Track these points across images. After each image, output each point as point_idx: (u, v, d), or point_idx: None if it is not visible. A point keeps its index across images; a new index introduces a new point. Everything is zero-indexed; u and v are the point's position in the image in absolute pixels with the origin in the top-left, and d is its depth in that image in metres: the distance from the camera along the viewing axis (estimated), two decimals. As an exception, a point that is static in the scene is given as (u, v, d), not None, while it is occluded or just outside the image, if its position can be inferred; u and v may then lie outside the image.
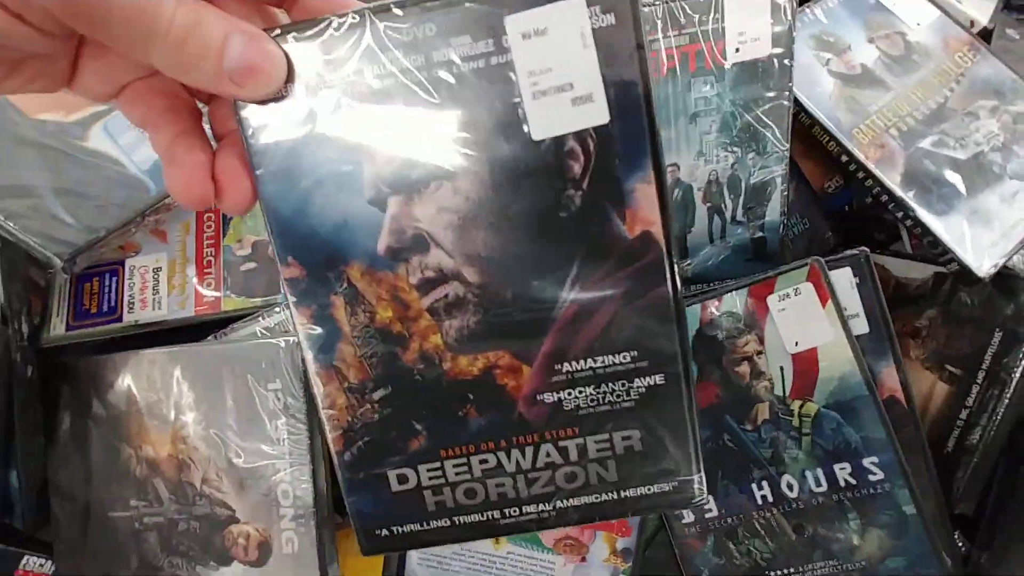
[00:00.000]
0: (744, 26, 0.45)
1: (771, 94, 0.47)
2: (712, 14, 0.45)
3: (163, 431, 0.45)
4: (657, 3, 0.45)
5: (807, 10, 0.51)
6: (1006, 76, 0.50)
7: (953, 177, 0.47)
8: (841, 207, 0.58)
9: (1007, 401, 0.44)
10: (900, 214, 0.47)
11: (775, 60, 0.46)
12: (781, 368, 0.46)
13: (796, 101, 0.49)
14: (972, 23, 0.55)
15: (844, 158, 0.48)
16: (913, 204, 0.46)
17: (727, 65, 0.46)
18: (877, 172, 0.47)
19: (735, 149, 0.48)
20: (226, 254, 0.50)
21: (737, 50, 0.46)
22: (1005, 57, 0.51)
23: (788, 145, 0.47)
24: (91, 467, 0.46)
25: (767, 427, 0.46)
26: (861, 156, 0.47)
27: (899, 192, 0.46)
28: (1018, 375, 0.44)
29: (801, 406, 0.46)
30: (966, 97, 0.49)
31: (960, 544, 0.48)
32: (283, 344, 0.43)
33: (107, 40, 0.20)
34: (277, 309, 0.47)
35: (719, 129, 0.47)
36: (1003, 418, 0.44)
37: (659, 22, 0.45)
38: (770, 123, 0.47)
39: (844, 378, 0.44)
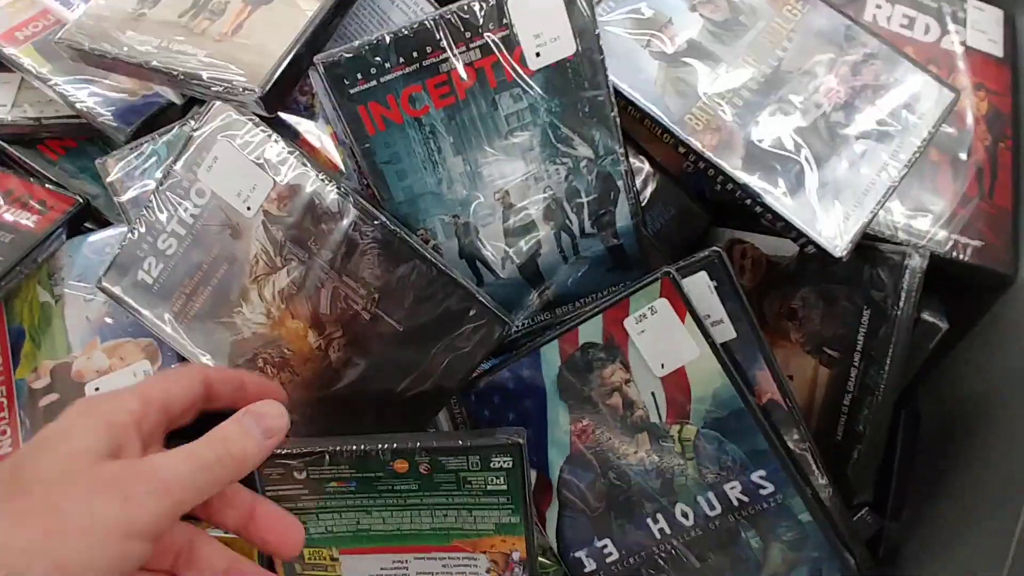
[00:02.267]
0: (538, 27, 0.40)
1: (589, 94, 0.41)
2: (499, 20, 0.39)
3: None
4: (431, 18, 0.39)
5: (616, -11, 0.45)
6: (839, 23, 0.46)
7: (797, 149, 0.43)
8: (702, 187, 0.54)
9: (884, 384, 0.41)
10: (748, 200, 0.43)
11: (584, 57, 0.41)
12: (653, 394, 0.42)
13: (620, 95, 0.44)
14: (799, -34, 0.50)
15: (681, 149, 0.44)
16: (758, 189, 0.42)
17: (531, 73, 0.41)
18: (716, 160, 0.43)
19: (564, 160, 0.43)
20: (20, 391, 0.43)
21: (538, 54, 0.40)
22: (835, 0, 0.47)
23: (621, 145, 0.43)
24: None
25: (650, 458, 0.43)
26: (697, 145, 0.43)
27: (742, 178, 0.42)
28: (891, 355, 0.41)
29: (680, 430, 0.42)
30: (801, 55, 0.45)
31: (870, 519, 0.46)
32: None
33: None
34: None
35: (541, 143, 0.42)
36: (884, 400, 0.42)
37: (441, 40, 0.39)
38: (595, 125, 0.42)
39: (717, 393, 0.41)
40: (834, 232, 0.41)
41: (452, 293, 0.41)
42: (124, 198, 0.47)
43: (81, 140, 0.53)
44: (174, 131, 0.47)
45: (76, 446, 0.27)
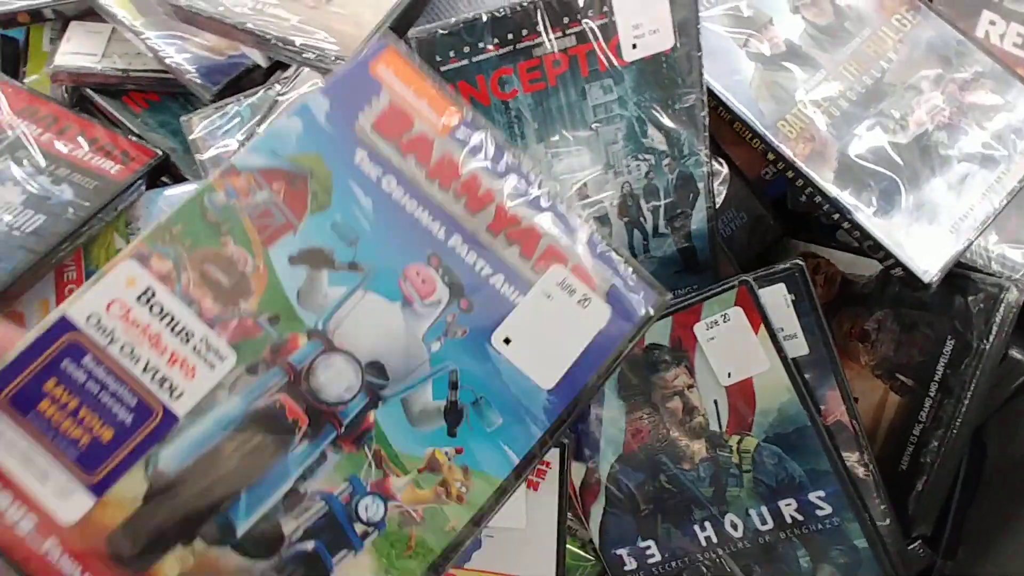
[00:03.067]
0: (638, 17, 0.39)
1: (682, 91, 0.40)
2: (599, 8, 0.38)
3: None
4: (532, 0, 0.38)
5: (718, -17, 0.44)
6: (951, 37, 0.44)
7: (894, 166, 0.41)
8: (781, 193, 0.53)
9: (960, 419, 0.40)
10: (836, 215, 0.41)
11: (681, 52, 0.39)
12: (715, 402, 0.41)
13: (711, 94, 0.42)
14: (912, -26, 0.48)
15: (771, 155, 0.42)
16: (848, 205, 0.41)
17: (625, 64, 0.40)
18: (807, 171, 0.41)
19: (647, 156, 0.42)
20: (92, 334, 0.45)
21: (634, 46, 0.39)
22: (951, 12, 0.44)
23: (707, 147, 0.41)
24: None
25: (705, 465, 0.42)
26: (789, 153, 0.41)
27: (833, 192, 0.41)
28: (971, 389, 0.39)
29: (739, 441, 0.42)
30: (906, 68, 0.43)
31: (923, 553, 0.45)
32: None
33: None
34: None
35: (626, 137, 0.41)
36: (958, 435, 0.40)
37: (538, 23, 0.38)
38: (683, 124, 0.41)
39: (783, 409, 0.40)
40: (925, 257, 0.40)
41: None
42: (205, 156, 0.47)
43: (164, 95, 0.54)
44: (259, 94, 0.47)
45: None
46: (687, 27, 0.39)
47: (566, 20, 0.39)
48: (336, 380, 0.30)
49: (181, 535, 0.28)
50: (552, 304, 0.32)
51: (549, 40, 0.39)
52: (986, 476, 0.47)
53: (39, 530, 0.27)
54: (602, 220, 0.44)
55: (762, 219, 0.52)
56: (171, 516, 0.28)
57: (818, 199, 0.42)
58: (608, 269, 0.33)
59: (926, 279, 0.39)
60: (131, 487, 0.28)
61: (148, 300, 0.29)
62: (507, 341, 0.31)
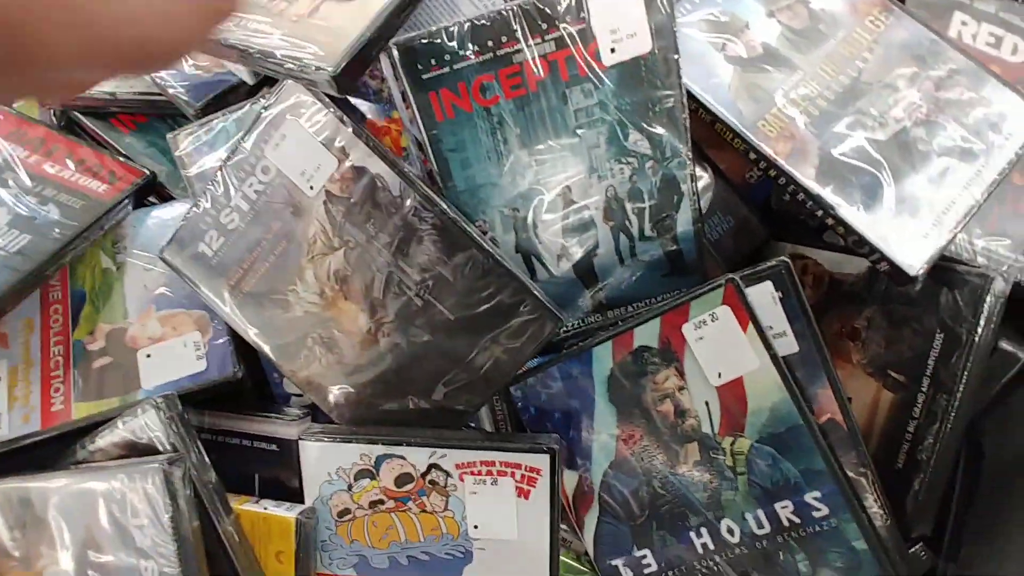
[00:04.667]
0: (615, 22, 0.39)
1: (661, 94, 0.41)
2: (577, 13, 0.39)
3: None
4: (510, 7, 0.39)
5: (694, -9, 0.45)
6: (924, 37, 0.44)
7: (874, 163, 0.42)
8: (766, 196, 0.53)
9: (954, 413, 0.39)
10: (820, 212, 0.42)
11: (659, 55, 0.40)
12: (707, 403, 0.41)
13: (691, 96, 0.43)
14: (883, -22, 0.49)
15: (752, 155, 0.43)
16: (832, 201, 0.41)
17: (605, 69, 0.40)
18: (788, 169, 0.41)
19: (630, 160, 0.42)
20: (76, 351, 0.44)
21: (613, 50, 0.40)
22: (921, 14, 0.45)
23: (688, 148, 0.42)
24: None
25: (699, 469, 0.42)
26: (770, 152, 0.42)
27: (815, 189, 0.41)
28: (963, 382, 0.39)
29: (732, 443, 0.41)
30: (882, 67, 0.44)
31: (924, 556, 0.44)
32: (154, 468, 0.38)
33: None
34: (139, 411, 0.42)
35: (608, 141, 0.42)
36: (952, 429, 0.40)
37: (517, 30, 0.39)
38: (665, 126, 0.41)
39: (775, 408, 0.40)
40: (910, 250, 0.40)
41: (507, 285, 0.40)
42: (191, 172, 0.48)
43: (152, 116, 0.54)
44: (244, 109, 0.47)
45: None
46: (664, 30, 0.40)
47: (544, 26, 0.39)
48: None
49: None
50: None
51: (528, 46, 0.40)
52: (984, 476, 0.47)
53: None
54: (587, 225, 0.44)
55: (748, 222, 0.52)
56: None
57: (801, 197, 0.42)
58: None
59: (912, 272, 0.39)
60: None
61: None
62: None
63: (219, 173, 0.44)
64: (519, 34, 0.39)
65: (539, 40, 0.39)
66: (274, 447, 0.45)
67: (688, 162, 0.42)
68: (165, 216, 0.49)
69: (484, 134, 0.41)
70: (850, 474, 0.41)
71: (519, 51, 0.40)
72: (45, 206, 0.47)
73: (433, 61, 0.40)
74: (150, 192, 0.52)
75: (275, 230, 0.43)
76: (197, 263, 0.44)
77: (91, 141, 0.53)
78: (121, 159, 0.52)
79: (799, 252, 0.50)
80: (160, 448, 0.40)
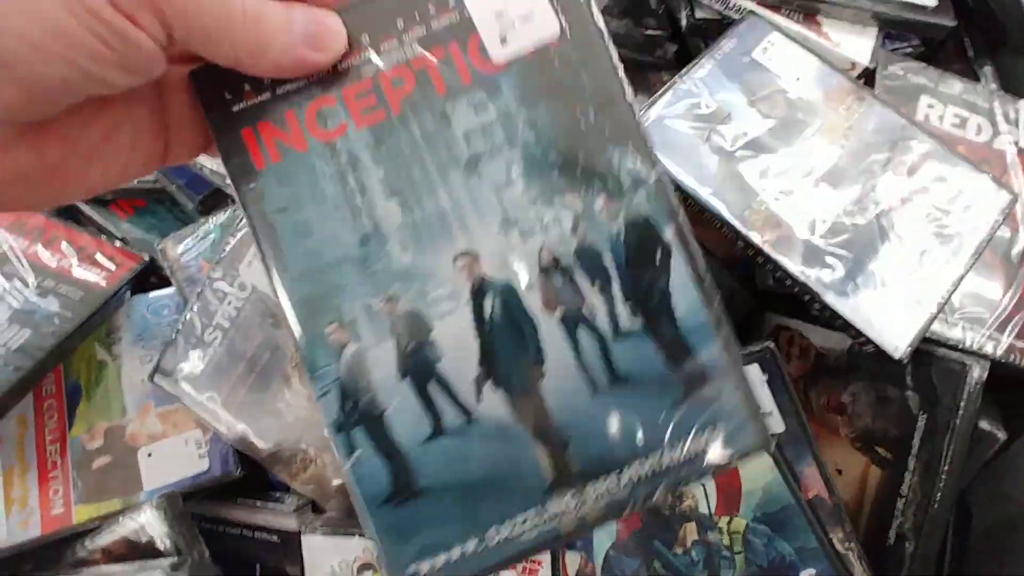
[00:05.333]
0: (501, 2, 0.27)
1: (591, 95, 0.27)
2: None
3: None
4: (358, 5, 0.27)
5: (679, 85, 0.47)
6: (895, 123, 0.47)
7: (856, 247, 0.44)
8: (749, 270, 0.55)
9: (941, 492, 0.41)
10: (807, 297, 0.43)
11: (575, 39, 0.27)
12: (703, 485, 0.42)
13: (679, 187, 0.45)
14: (853, 65, 0.52)
15: (740, 243, 0.44)
16: (816, 288, 0.42)
17: (498, 69, 0.27)
18: (775, 256, 0.43)
19: (568, 200, 0.27)
20: (74, 450, 0.44)
21: (504, 40, 0.27)
22: (891, 98, 0.48)
23: (657, 168, 0.27)
24: None
25: (698, 548, 0.43)
26: (757, 240, 0.43)
27: (802, 277, 0.43)
28: (947, 464, 0.41)
29: (729, 522, 0.42)
30: (858, 153, 0.46)
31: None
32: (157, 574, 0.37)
33: (195, 36, 0.21)
34: (140, 510, 0.42)
35: (525, 174, 0.27)
36: (939, 508, 0.41)
37: (365, 35, 0.26)
38: (609, 141, 0.27)
39: (768, 487, 0.41)
40: (894, 333, 0.41)
41: None
42: (181, 277, 0.48)
43: (150, 200, 0.55)
44: (228, 213, 0.49)
45: None
46: (572, 4, 0.27)
47: (400, 23, 0.27)
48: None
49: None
50: None
51: (379, 52, 0.27)
52: (973, 541, 0.48)
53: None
54: (514, 320, 0.26)
55: (736, 294, 0.53)
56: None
57: (788, 282, 0.43)
58: None
59: (897, 355, 0.41)
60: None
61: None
62: None
63: (198, 296, 0.45)
64: (366, 42, 0.27)
65: (397, 43, 0.27)
66: (275, 538, 0.45)
67: (665, 187, 0.27)
68: (159, 303, 0.49)
69: (328, 181, 0.26)
70: (839, 549, 0.42)
71: (368, 61, 0.27)
72: (45, 298, 0.47)
73: (247, 86, 0.26)
74: (148, 278, 0.52)
75: (259, 342, 0.44)
76: (188, 381, 0.45)
77: (90, 228, 0.54)
78: (119, 244, 0.52)
79: (786, 324, 0.51)
80: (162, 548, 0.40)
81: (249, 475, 0.47)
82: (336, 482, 0.44)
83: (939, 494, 0.41)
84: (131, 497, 0.43)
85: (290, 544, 0.44)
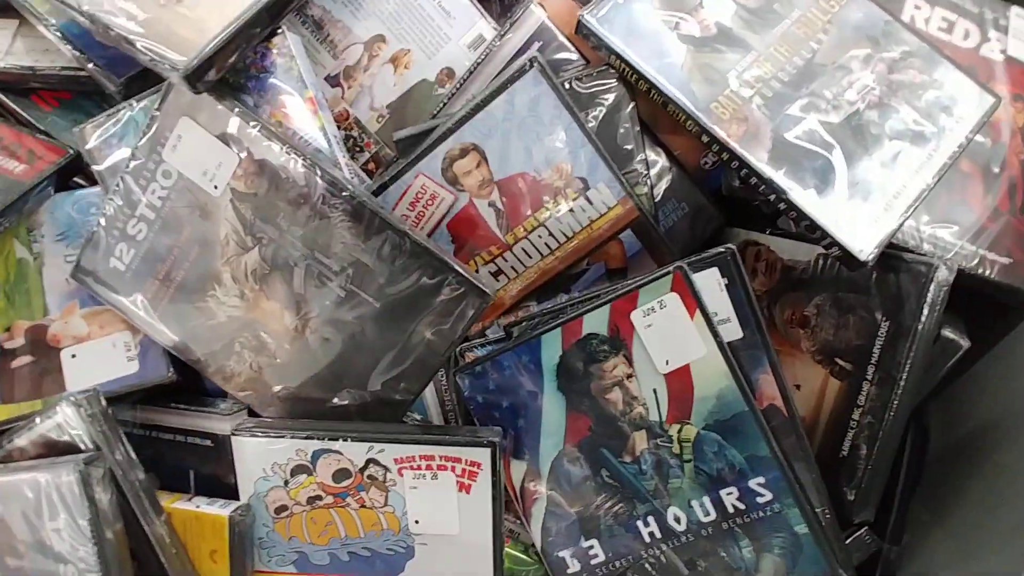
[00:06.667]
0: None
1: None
2: None
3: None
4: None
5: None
6: (878, 18, 0.44)
7: (827, 146, 0.41)
8: (721, 183, 0.52)
9: (897, 401, 0.39)
10: (772, 196, 0.41)
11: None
12: (655, 391, 0.40)
13: (642, 77, 0.41)
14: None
15: (705, 138, 0.41)
16: (784, 185, 0.40)
17: None
18: (741, 152, 0.40)
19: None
20: (-8, 349, 0.42)
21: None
22: (875, -5, 0.44)
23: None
24: None
25: (646, 457, 0.41)
26: (722, 134, 0.41)
27: (768, 172, 0.40)
28: (907, 371, 0.39)
29: (679, 430, 0.40)
30: (836, 48, 0.43)
31: (868, 540, 0.44)
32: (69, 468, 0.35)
33: None
34: (57, 408, 0.39)
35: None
36: (895, 417, 0.40)
37: None
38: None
39: (721, 395, 0.39)
40: (861, 235, 0.39)
41: (427, 265, 0.39)
42: (102, 167, 0.45)
43: (77, 93, 0.51)
44: (150, 97, 0.44)
45: None
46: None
47: None
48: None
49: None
50: None
51: None
52: (930, 461, 0.47)
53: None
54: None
55: (703, 209, 0.51)
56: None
57: (753, 180, 0.41)
58: None
59: (862, 257, 0.39)
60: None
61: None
62: None
63: (119, 183, 0.41)
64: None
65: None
66: (208, 442, 0.43)
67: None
68: (87, 201, 0.46)
69: None
70: (791, 459, 0.41)
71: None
72: (-43, 188, 0.43)
73: None
74: (75, 172, 0.48)
75: (186, 235, 0.41)
76: (111, 278, 0.42)
77: (10, 119, 0.50)
78: (42, 137, 0.48)
79: (753, 239, 0.49)
80: (81, 447, 0.38)
81: (186, 381, 0.45)
82: (276, 388, 0.42)
83: (896, 402, 0.39)
84: (53, 400, 0.40)
85: (224, 449, 0.42)
